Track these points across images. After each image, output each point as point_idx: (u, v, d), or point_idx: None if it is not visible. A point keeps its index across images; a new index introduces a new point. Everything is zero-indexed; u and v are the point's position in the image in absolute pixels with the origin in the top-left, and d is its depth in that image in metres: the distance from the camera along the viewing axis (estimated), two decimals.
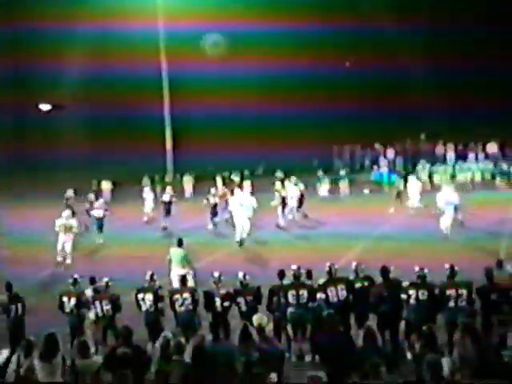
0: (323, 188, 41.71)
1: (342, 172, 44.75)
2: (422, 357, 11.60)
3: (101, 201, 33.78)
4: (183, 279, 17.67)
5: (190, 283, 19.31)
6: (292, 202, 33.85)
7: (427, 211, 31.54)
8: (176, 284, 19.47)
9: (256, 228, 30.71)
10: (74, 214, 29.92)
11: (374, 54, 57.58)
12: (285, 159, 46.56)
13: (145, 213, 36.47)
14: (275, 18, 55.10)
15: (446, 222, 28.13)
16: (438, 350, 12.45)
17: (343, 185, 43.26)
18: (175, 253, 21.35)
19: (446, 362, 11.50)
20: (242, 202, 29.97)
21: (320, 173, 42.77)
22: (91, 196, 35.44)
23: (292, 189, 34.06)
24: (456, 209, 28.66)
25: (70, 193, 36.75)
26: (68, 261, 27.03)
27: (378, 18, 55.96)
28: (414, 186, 35.02)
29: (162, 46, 53.57)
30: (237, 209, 29.93)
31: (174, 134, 55.26)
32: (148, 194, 37.39)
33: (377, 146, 51.57)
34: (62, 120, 59.47)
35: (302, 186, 35.13)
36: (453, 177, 43.54)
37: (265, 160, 52.68)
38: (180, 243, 21.43)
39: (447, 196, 29.06)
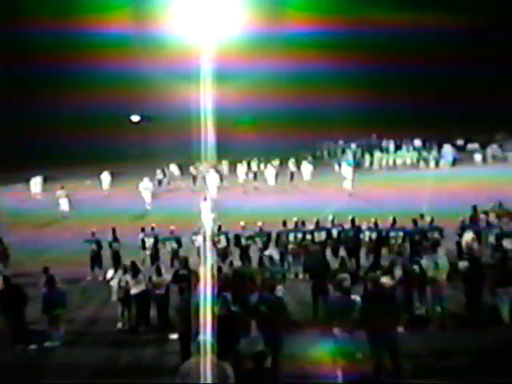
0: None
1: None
2: (367, 274, 11.74)
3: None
4: (219, 227, 17.58)
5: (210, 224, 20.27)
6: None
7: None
8: (207, 223, 19.86)
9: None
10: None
11: None
12: None
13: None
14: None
15: (347, 185, 29.91)
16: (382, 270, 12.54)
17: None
18: (204, 204, 21.55)
19: (385, 278, 11.58)
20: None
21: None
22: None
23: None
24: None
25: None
26: (148, 207, 28.07)
27: None
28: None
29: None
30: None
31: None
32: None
33: (341, 142, 51.09)
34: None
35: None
36: (394, 160, 43.26)
37: None
38: (205, 199, 22.20)
39: (345, 170, 31.15)
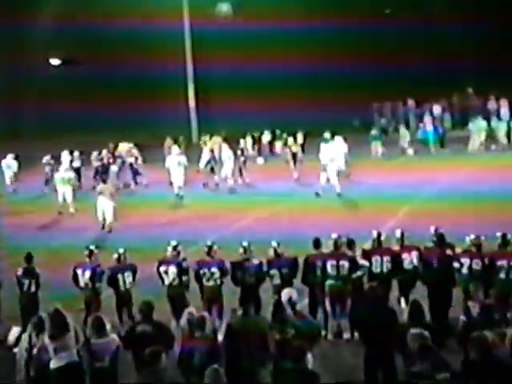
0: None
1: (374, 132, 45.20)
2: (467, 333, 11.29)
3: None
4: (210, 249, 17.03)
5: (111, 215, 27.21)
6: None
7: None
8: (101, 213, 27.35)
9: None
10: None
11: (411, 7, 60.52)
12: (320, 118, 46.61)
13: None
14: None
15: (333, 178, 30.57)
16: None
17: (376, 145, 43.89)
18: (104, 187, 28.18)
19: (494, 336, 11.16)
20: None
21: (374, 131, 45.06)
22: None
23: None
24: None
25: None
26: (71, 209, 30.85)
27: None
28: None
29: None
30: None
31: (197, 92, 56.01)
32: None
33: (410, 101, 51.82)
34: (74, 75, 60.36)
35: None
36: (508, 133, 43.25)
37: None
38: (104, 182, 30.16)
39: (328, 153, 31.96)
